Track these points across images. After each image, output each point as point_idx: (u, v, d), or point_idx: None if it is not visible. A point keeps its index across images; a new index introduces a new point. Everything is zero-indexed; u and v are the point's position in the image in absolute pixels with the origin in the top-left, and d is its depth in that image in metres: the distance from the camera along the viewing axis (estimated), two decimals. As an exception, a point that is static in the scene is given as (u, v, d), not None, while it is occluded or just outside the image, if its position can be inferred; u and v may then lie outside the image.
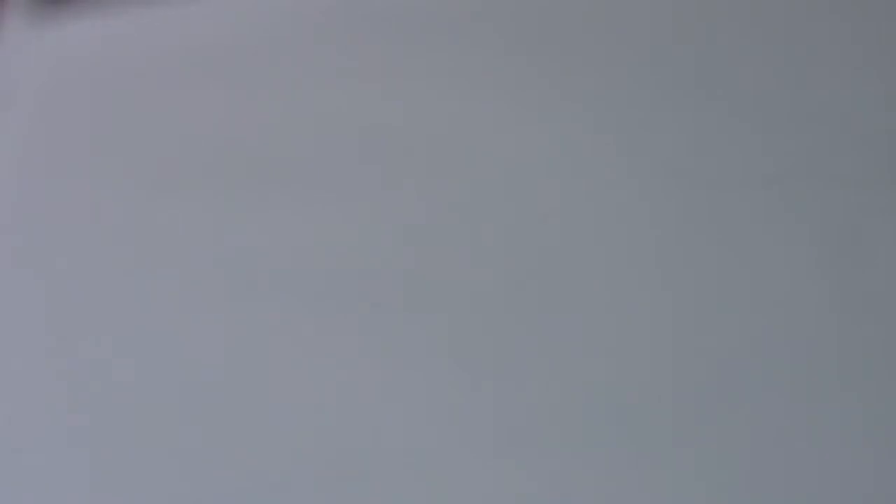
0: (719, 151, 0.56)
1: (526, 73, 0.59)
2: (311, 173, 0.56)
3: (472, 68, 0.59)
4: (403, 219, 0.55)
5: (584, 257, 0.53)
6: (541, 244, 0.54)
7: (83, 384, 0.50)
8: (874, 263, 0.53)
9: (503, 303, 0.52)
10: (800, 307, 0.51)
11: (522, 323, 0.51)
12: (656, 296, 0.52)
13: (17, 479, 0.47)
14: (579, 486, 0.47)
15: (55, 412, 0.49)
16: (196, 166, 0.56)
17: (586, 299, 0.52)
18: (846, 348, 0.50)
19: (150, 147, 0.57)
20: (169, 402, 0.49)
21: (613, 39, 0.60)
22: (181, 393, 0.49)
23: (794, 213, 0.54)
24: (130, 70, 0.60)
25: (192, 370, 0.50)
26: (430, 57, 0.60)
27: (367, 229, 0.54)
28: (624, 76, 0.59)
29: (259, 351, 0.51)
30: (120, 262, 0.53)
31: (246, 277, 0.52)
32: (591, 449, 0.48)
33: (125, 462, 0.48)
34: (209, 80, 0.59)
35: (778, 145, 0.56)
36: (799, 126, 0.57)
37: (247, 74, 0.59)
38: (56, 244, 0.54)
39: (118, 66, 0.60)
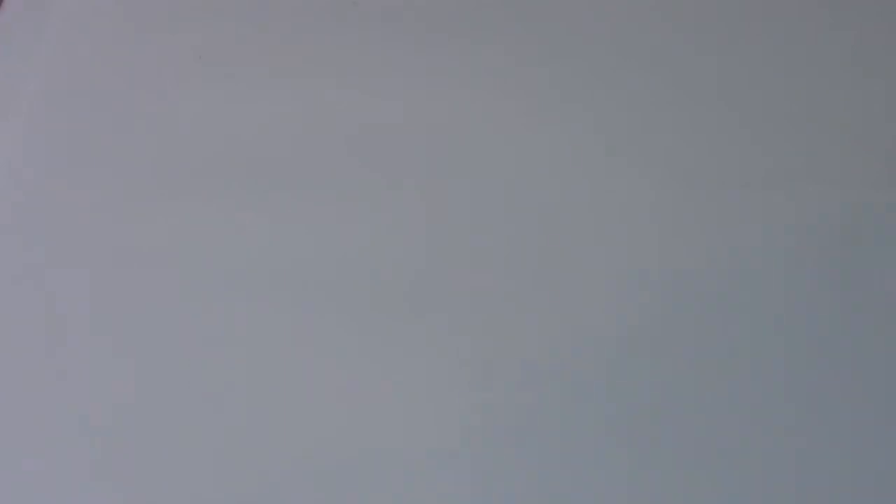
0: (719, 151, 0.56)
1: (526, 72, 0.59)
2: (311, 173, 0.56)
3: (472, 68, 0.59)
4: (403, 219, 0.55)
5: (585, 257, 0.53)
6: (540, 243, 0.54)
7: (83, 383, 0.50)
8: (874, 263, 0.53)
9: (503, 301, 0.52)
10: (800, 307, 0.51)
11: (523, 322, 0.51)
12: (657, 295, 0.52)
13: (18, 479, 0.47)
14: (579, 486, 0.47)
15: (54, 412, 0.49)
16: (196, 166, 0.56)
17: (587, 299, 0.52)
18: (846, 348, 0.50)
19: (150, 147, 0.57)
20: (169, 401, 0.49)
21: (614, 40, 0.60)
22: (181, 392, 0.49)
23: (794, 213, 0.54)
24: (131, 70, 0.60)
25: (191, 369, 0.50)
26: (430, 57, 0.60)
27: (367, 229, 0.54)
28: (624, 76, 0.59)
29: (258, 349, 0.51)
30: (120, 262, 0.53)
31: (246, 277, 0.53)
32: (590, 449, 0.48)
33: (125, 462, 0.48)
34: (209, 80, 0.59)
35: (778, 145, 0.56)
36: (799, 126, 0.57)
37: (247, 74, 0.59)
38: (56, 244, 0.54)
39: (119, 66, 0.60)
